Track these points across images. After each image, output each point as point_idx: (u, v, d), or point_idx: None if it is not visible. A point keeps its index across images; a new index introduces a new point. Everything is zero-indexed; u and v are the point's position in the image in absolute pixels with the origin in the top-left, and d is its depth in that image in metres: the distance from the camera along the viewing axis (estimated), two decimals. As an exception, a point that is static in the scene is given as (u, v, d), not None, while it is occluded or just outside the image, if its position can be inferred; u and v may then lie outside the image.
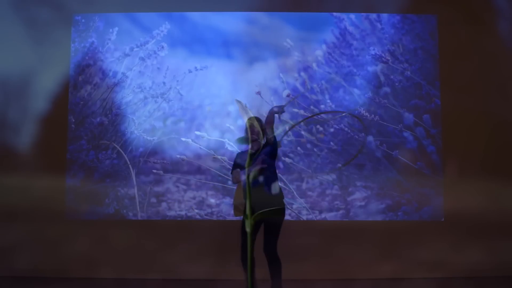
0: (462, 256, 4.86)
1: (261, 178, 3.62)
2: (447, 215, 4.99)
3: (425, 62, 5.15)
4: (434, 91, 5.11)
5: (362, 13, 5.20)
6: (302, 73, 5.18)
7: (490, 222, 4.88)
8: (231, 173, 3.87)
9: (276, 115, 3.78)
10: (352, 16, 5.20)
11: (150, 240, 4.98)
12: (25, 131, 5.09)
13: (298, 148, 5.11)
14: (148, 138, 5.12)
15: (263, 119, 3.83)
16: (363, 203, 5.05)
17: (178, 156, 5.09)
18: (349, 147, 5.09)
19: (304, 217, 5.04)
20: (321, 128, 5.12)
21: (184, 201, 5.08)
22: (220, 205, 5.07)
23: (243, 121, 3.90)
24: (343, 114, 4.94)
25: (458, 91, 5.10)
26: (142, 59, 5.19)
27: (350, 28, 5.19)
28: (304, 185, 5.08)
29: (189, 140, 5.10)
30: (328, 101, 5.13)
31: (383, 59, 5.11)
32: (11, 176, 5.02)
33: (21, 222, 4.95)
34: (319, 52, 5.19)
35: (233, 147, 5.05)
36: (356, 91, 5.14)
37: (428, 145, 5.04)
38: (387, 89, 5.11)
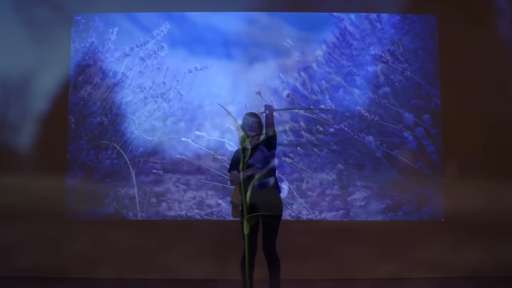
0: (462, 256, 4.86)
1: (267, 180, 3.62)
2: (447, 215, 4.99)
3: (425, 62, 5.15)
4: (434, 91, 5.11)
5: (362, 13, 5.20)
6: (302, 73, 5.18)
7: (490, 222, 4.88)
8: (229, 171, 3.85)
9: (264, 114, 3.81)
10: (352, 16, 5.20)
11: (150, 240, 4.98)
12: (25, 131, 5.09)
13: (298, 148, 5.11)
14: (148, 138, 5.12)
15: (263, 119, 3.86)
16: (363, 203, 5.05)
17: (178, 156, 5.09)
18: (349, 147, 5.09)
19: (304, 217, 5.04)
20: (321, 128, 5.12)
21: (184, 201, 5.08)
22: (220, 205, 5.07)
23: (244, 120, 3.90)
24: (316, 109, 4.91)
25: (458, 91, 5.10)
26: (142, 59, 5.19)
27: (350, 28, 5.19)
28: (304, 185, 5.08)
29: (189, 140, 5.10)
30: (328, 101, 5.13)
31: (383, 59, 5.11)
32: (11, 176, 5.02)
33: (21, 222, 4.95)
34: (319, 52, 5.19)
35: (233, 147, 5.05)
36: (356, 91, 5.13)
37: (428, 145, 5.04)
38: (387, 89, 5.11)
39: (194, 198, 5.09)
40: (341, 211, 5.04)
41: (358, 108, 5.08)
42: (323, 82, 5.16)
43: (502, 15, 5.19)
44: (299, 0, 5.33)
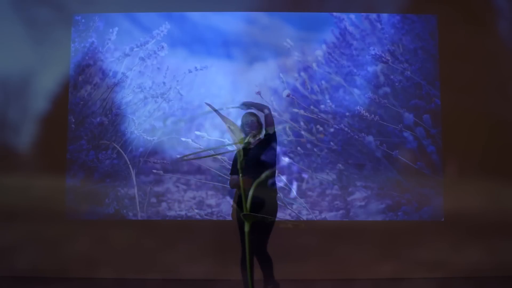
0: (462, 256, 4.86)
1: (270, 181, 3.63)
2: (447, 215, 4.99)
3: (425, 62, 5.15)
4: (434, 91, 5.11)
5: (362, 13, 5.20)
6: (302, 73, 5.18)
7: (490, 222, 4.88)
8: (230, 173, 3.86)
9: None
10: (352, 16, 5.20)
11: (150, 240, 4.98)
12: (25, 131, 5.09)
13: (298, 148, 5.11)
14: (148, 138, 5.12)
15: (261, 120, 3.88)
16: (363, 203, 5.05)
17: (178, 156, 5.09)
18: (349, 147, 5.09)
19: (304, 217, 5.04)
20: (321, 128, 5.12)
21: (184, 201, 5.08)
22: (220, 205, 5.07)
23: (243, 120, 3.91)
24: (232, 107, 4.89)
25: (458, 91, 5.10)
26: (142, 59, 5.19)
27: (350, 28, 5.19)
28: (304, 185, 5.08)
29: (189, 140, 5.11)
30: (328, 101, 5.13)
31: (383, 59, 5.11)
32: (11, 176, 5.02)
33: (21, 222, 4.95)
34: (319, 52, 5.19)
35: (233, 147, 5.04)
36: (356, 91, 5.13)
37: (428, 145, 5.04)
38: (387, 89, 5.11)
39: (194, 198, 5.09)
40: (341, 211, 5.04)
41: (358, 108, 5.08)
42: (323, 82, 5.16)
43: (502, 15, 5.19)
44: (299, 0, 5.33)
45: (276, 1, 5.29)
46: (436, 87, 5.11)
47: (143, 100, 5.17)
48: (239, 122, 3.93)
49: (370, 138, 5.05)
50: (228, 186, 4.21)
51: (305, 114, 5.12)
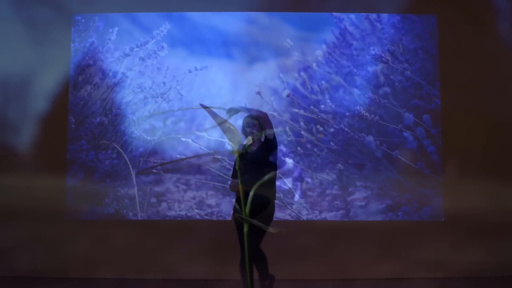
0: (462, 256, 4.86)
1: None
2: (447, 215, 4.99)
3: (425, 62, 5.15)
4: (434, 91, 5.11)
5: (362, 13, 5.20)
6: (302, 73, 5.18)
7: (490, 222, 4.88)
8: (232, 176, 3.86)
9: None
10: (352, 16, 5.20)
11: (150, 240, 4.98)
12: (25, 131, 5.09)
13: (298, 148, 5.11)
14: (148, 138, 5.12)
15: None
16: (363, 203, 5.05)
17: (178, 156, 5.09)
18: (349, 147, 5.09)
19: (304, 217, 5.04)
20: (321, 128, 5.12)
21: (184, 201, 5.08)
22: (220, 205, 5.07)
23: (243, 120, 3.90)
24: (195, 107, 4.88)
25: (458, 91, 5.10)
26: (142, 59, 5.19)
27: (350, 28, 5.19)
28: (304, 185, 5.08)
29: (189, 140, 5.11)
30: (328, 101, 5.13)
31: (383, 59, 5.11)
32: (11, 176, 5.02)
33: (21, 222, 4.95)
34: (319, 52, 5.19)
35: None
36: (356, 91, 5.14)
37: (428, 145, 5.04)
38: (387, 89, 5.11)
39: (194, 198, 5.09)
40: (341, 211, 5.05)
41: (358, 108, 5.08)
42: (323, 82, 5.16)
43: (502, 15, 5.19)
44: (299, 0, 5.33)
45: (276, 1, 5.29)
46: (436, 87, 5.11)
47: (143, 100, 5.17)
48: (239, 123, 3.93)
49: (370, 138, 5.05)
50: (228, 186, 4.21)
51: (305, 114, 5.12)
